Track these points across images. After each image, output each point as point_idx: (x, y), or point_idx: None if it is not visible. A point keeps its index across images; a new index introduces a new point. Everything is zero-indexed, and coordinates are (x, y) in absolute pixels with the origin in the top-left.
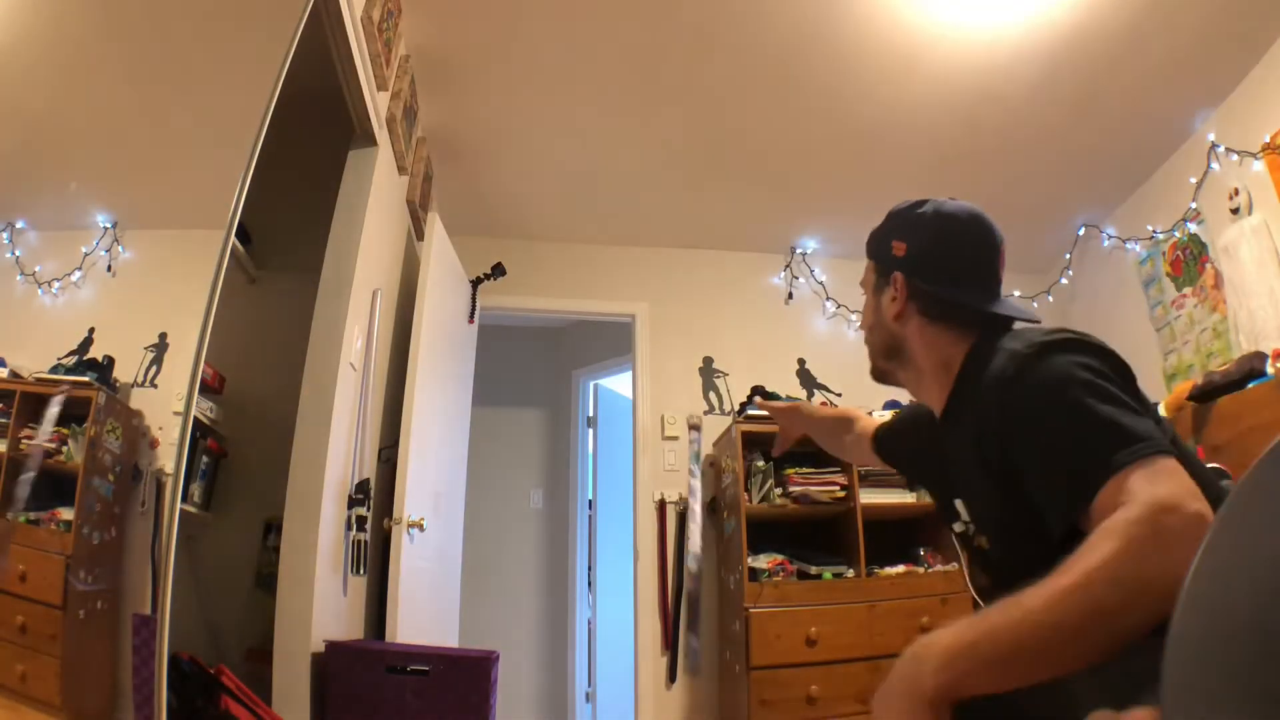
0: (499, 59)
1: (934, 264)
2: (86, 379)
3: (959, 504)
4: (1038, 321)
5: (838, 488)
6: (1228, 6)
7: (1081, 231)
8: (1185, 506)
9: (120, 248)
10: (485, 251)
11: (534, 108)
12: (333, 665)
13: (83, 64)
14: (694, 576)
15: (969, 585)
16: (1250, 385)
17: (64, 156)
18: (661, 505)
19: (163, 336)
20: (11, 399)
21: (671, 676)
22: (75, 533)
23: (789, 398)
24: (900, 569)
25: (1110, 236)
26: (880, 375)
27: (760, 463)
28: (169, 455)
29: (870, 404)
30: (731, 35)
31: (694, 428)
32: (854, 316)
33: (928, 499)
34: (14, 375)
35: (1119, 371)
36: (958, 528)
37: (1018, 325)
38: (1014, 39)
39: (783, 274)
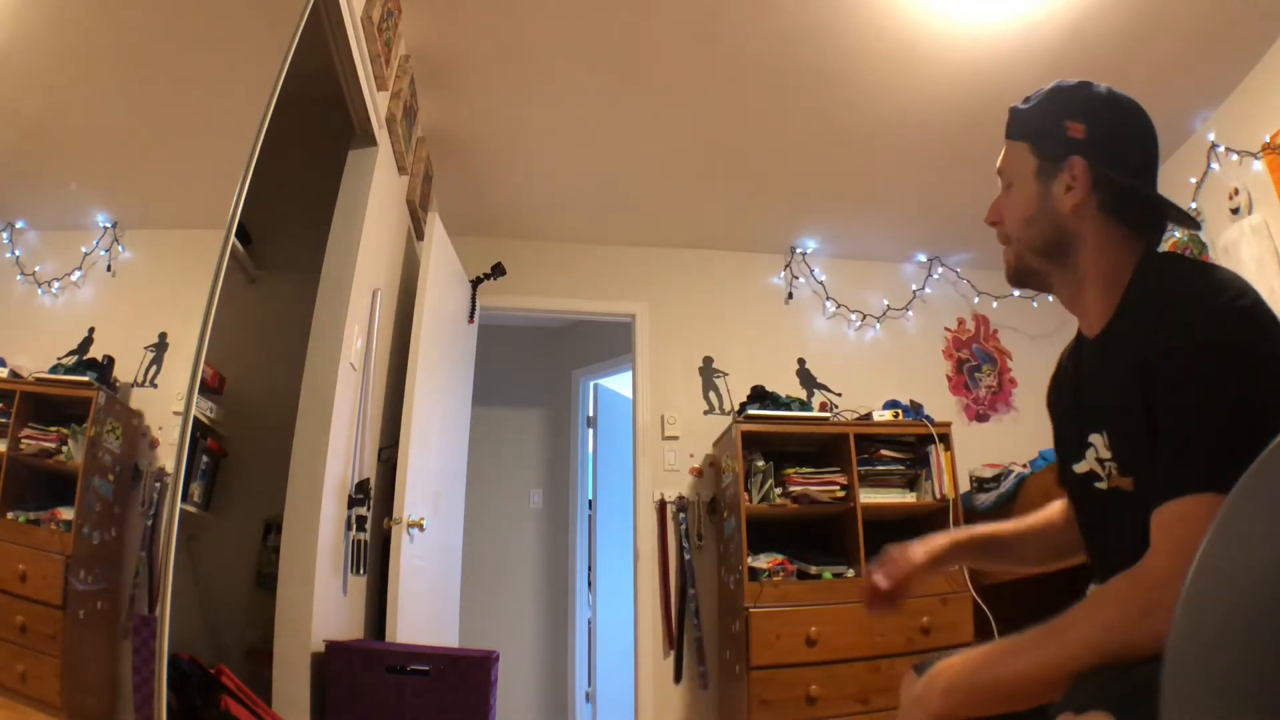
0: (499, 59)
1: (1120, 152)
2: (86, 379)
3: (1097, 438)
4: (1197, 225)
5: (838, 488)
6: (1227, 7)
7: None
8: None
9: (120, 248)
10: (485, 251)
11: (534, 107)
12: (333, 665)
13: (82, 64)
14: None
15: (969, 585)
16: None
17: (64, 156)
18: (661, 505)
19: (163, 336)
20: (11, 399)
21: (677, 676)
22: (75, 533)
23: (790, 398)
24: None
25: None
26: (1024, 276)
27: (760, 462)
28: (169, 455)
29: (870, 403)
30: (731, 34)
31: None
32: (854, 316)
33: (928, 499)
34: (14, 375)
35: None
36: (1080, 468)
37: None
38: (1014, 39)
39: (783, 274)
